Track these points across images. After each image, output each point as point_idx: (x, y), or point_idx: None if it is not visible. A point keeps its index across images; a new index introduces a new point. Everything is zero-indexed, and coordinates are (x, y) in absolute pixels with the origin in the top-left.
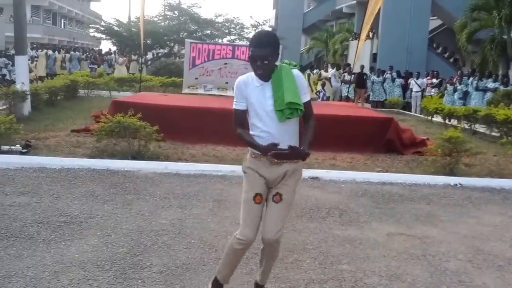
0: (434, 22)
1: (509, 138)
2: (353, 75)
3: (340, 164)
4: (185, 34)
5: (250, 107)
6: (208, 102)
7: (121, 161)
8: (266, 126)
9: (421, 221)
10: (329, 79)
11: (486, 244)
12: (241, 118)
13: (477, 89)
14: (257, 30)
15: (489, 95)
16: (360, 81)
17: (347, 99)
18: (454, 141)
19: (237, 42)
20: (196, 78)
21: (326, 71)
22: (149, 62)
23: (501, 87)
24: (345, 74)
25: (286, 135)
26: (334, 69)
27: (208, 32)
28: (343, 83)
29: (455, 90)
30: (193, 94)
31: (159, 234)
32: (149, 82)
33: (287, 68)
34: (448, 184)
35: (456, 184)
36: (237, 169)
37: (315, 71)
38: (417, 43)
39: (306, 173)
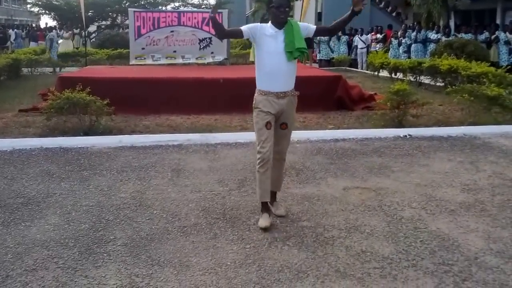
0: None
1: (453, 87)
2: None
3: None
4: (128, 3)
5: (262, 49)
6: (157, 72)
7: (74, 138)
8: (276, 64)
9: (374, 173)
10: None
11: (438, 191)
12: (233, 33)
13: (416, 41)
14: None
15: (432, 46)
16: (307, 41)
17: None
18: (402, 93)
19: (182, 8)
20: (143, 48)
21: None
22: (92, 35)
23: (443, 38)
24: None
25: (289, 72)
26: None
27: (151, 0)
28: None
29: (399, 44)
30: (141, 65)
31: (120, 208)
32: (95, 55)
33: (294, 21)
34: (398, 136)
35: (406, 135)
36: (192, 137)
37: None
38: None
39: None
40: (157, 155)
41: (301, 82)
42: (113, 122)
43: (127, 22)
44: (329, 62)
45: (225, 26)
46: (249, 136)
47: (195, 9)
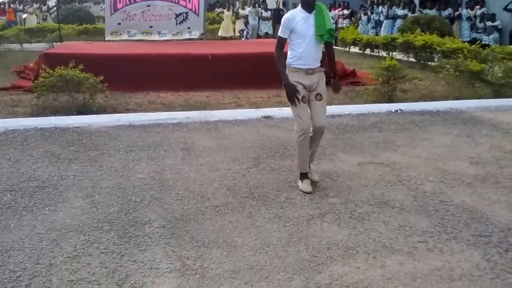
0: None
1: (428, 62)
2: (270, 11)
3: (286, 101)
4: None
5: (295, 33)
6: (143, 48)
7: (68, 117)
8: (307, 46)
9: (381, 148)
10: (246, 17)
11: (448, 165)
12: (282, 44)
13: (387, 17)
14: None
15: (399, 22)
16: (277, 17)
17: (267, 35)
18: (392, 69)
19: None
20: (119, 24)
21: (243, 8)
22: (53, 10)
23: (409, 14)
24: (262, 11)
25: (317, 53)
26: (251, 7)
27: None
28: (261, 20)
29: (368, 20)
30: (117, 40)
31: (144, 189)
32: (63, 31)
33: (322, 5)
34: (390, 111)
35: (397, 110)
36: (191, 115)
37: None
38: None
39: (258, 112)
40: (160, 134)
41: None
42: (105, 100)
43: None
44: None
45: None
46: (248, 113)
47: None
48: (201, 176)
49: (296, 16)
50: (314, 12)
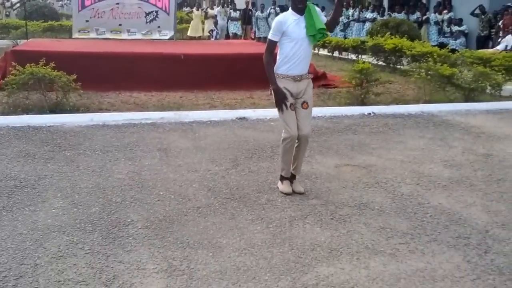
0: None
1: (396, 66)
2: (239, 12)
3: (260, 102)
4: None
5: (287, 36)
6: (114, 47)
7: (41, 116)
8: (299, 49)
9: (357, 151)
10: (215, 17)
11: (423, 167)
12: (273, 48)
13: (358, 20)
14: None
15: (368, 25)
16: (246, 17)
17: (235, 36)
18: (365, 72)
19: None
20: (87, 21)
21: (212, 8)
22: (16, 6)
23: (378, 17)
24: (231, 11)
25: (308, 56)
26: (220, 7)
27: None
28: (230, 20)
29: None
30: (85, 38)
31: (123, 190)
32: (28, 27)
33: (311, 5)
34: (363, 114)
35: (370, 113)
36: (165, 115)
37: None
38: None
39: (233, 114)
40: (135, 134)
41: (260, 60)
42: (78, 99)
43: None
44: (265, 39)
45: None
46: (222, 114)
47: None
48: (180, 177)
49: (288, 19)
50: (304, 15)
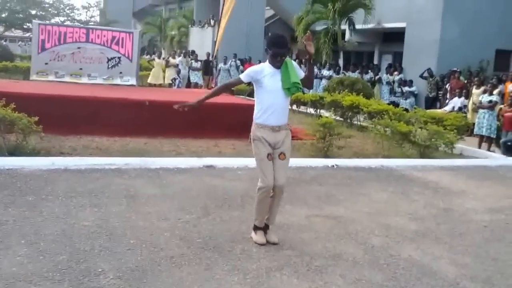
0: (268, 12)
1: (353, 121)
2: (200, 62)
3: (226, 151)
4: (6, 14)
5: (261, 87)
6: (74, 90)
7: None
8: (274, 100)
9: (325, 202)
10: (176, 66)
11: (389, 220)
12: (234, 84)
13: (315, 77)
14: (274, 34)
15: (324, 82)
16: (207, 68)
17: (196, 85)
18: (328, 126)
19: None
20: (46, 64)
21: (174, 57)
22: None
23: (334, 75)
24: (192, 61)
25: (284, 108)
26: (181, 56)
27: (34, 12)
28: (191, 70)
29: None
30: (43, 81)
31: (91, 237)
32: None
33: (288, 59)
34: (326, 166)
35: (333, 165)
36: (131, 161)
37: (162, 57)
38: (255, 31)
39: (200, 161)
40: (100, 180)
41: (226, 109)
42: (38, 142)
43: (6, 33)
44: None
45: (136, 44)
46: (189, 162)
47: (105, 27)
48: (150, 225)
49: (264, 70)
50: (281, 68)
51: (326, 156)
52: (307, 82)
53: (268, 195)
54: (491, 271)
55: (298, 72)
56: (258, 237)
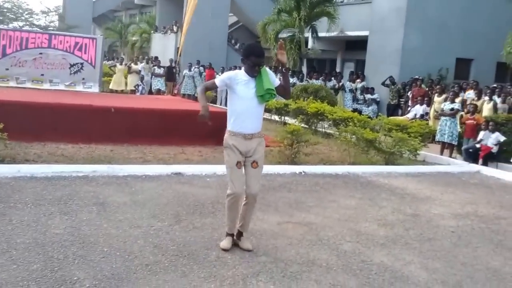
0: (231, 18)
1: (317, 128)
2: (163, 68)
3: (193, 158)
4: None
5: (235, 94)
6: (38, 96)
7: None
8: (247, 107)
9: (295, 208)
10: (139, 72)
11: (359, 226)
12: (209, 87)
13: None
14: (253, 43)
15: None
16: (170, 74)
17: (159, 91)
18: (296, 133)
19: (52, 30)
20: (7, 69)
21: (136, 63)
22: None
23: (298, 82)
24: (155, 67)
25: (258, 115)
26: (144, 62)
27: None
28: (153, 76)
29: None
30: (3, 87)
31: (64, 246)
32: None
33: (263, 68)
34: (294, 173)
35: (301, 172)
36: (98, 169)
37: (124, 63)
38: (218, 38)
39: (168, 169)
40: (68, 187)
41: (191, 116)
42: (2, 149)
43: None
44: (190, 96)
45: (100, 50)
46: (158, 169)
47: (67, 32)
48: (123, 233)
49: (238, 77)
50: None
51: (293, 163)
52: (283, 91)
53: (237, 202)
54: (460, 276)
55: (272, 79)
56: (224, 242)
